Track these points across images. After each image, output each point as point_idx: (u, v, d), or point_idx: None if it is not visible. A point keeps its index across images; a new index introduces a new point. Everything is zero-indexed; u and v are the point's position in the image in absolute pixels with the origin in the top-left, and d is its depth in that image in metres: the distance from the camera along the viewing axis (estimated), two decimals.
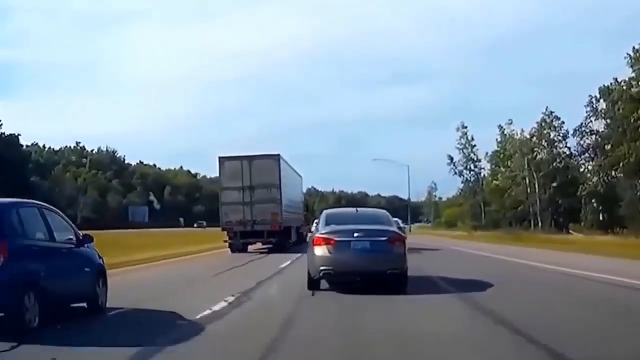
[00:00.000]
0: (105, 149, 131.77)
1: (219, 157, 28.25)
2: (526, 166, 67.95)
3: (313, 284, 12.71)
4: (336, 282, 12.85)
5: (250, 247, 28.74)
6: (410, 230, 68.34)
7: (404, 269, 12.49)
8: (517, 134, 71.25)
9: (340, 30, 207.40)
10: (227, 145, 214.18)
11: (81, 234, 9.95)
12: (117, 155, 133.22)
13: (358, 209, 15.50)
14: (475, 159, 79.46)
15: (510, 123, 72.14)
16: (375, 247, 12.33)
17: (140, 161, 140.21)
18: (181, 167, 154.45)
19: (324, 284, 12.87)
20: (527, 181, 67.65)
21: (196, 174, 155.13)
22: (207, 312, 9.59)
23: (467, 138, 78.82)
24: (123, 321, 9.63)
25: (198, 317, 9.12)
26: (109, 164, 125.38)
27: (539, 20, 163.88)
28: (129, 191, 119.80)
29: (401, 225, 32.45)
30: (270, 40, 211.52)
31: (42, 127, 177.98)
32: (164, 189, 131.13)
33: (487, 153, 78.38)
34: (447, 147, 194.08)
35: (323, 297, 11.97)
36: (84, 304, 9.72)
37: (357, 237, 12.35)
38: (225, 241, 27.90)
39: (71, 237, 9.65)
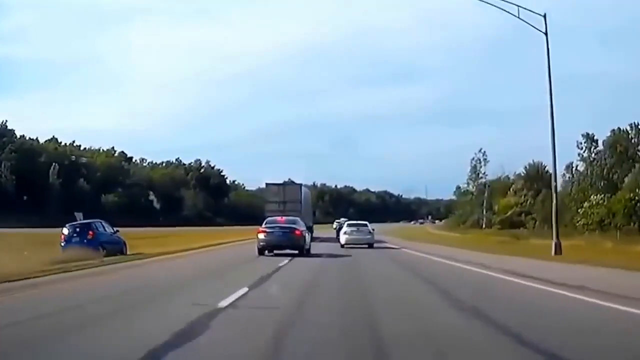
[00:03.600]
0: None
1: (266, 183, 48.57)
2: None
3: (260, 252, 24.61)
4: (270, 251, 24.64)
5: None
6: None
7: (301, 246, 24.81)
8: None
9: (339, 30, 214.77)
10: (223, 143, 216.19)
11: (115, 229, 27.10)
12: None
13: (284, 217, 28.16)
14: None
15: None
16: (285, 235, 24.99)
17: (54, 137, 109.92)
18: (113, 147, 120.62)
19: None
20: None
21: (131, 157, 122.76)
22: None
23: None
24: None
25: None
26: None
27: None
28: None
29: (370, 228, 35.09)
30: (270, 39, 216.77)
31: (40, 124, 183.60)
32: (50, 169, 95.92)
33: None
34: (447, 144, 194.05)
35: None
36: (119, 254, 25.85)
37: (277, 229, 25.20)
38: None
39: (112, 230, 26.88)
